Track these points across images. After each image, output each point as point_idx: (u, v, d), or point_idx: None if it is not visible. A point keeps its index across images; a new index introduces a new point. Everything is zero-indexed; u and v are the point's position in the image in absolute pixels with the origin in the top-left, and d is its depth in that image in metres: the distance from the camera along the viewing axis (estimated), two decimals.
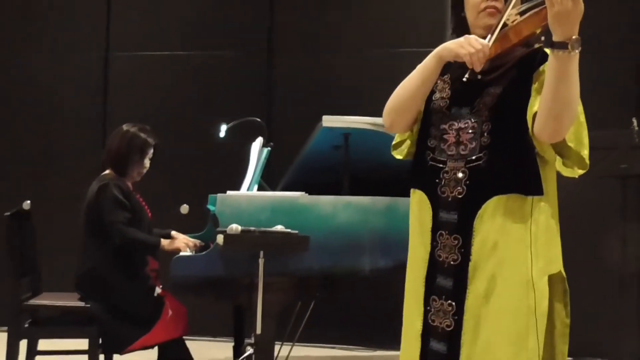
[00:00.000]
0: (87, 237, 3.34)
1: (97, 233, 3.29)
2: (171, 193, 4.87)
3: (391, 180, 2.78)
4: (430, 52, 1.96)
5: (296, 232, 2.73)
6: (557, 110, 1.74)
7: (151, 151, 3.51)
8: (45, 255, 3.70)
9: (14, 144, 5.32)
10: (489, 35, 1.85)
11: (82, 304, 3.23)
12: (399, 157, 2.14)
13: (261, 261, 2.65)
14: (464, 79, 1.88)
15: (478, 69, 1.84)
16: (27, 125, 5.30)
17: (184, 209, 4.93)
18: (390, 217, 2.95)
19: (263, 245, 2.67)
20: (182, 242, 3.38)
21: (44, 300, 3.30)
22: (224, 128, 3.95)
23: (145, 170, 3.54)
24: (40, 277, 3.50)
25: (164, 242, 3.35)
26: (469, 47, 1.83)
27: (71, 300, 3.25)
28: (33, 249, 3.51)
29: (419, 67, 2.00)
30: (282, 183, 3.83)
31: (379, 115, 2.24)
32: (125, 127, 3.49)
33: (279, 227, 2.73)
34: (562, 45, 1.68)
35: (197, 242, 3.46)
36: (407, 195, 2.06)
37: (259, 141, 3.41)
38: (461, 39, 1.88)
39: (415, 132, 2.05)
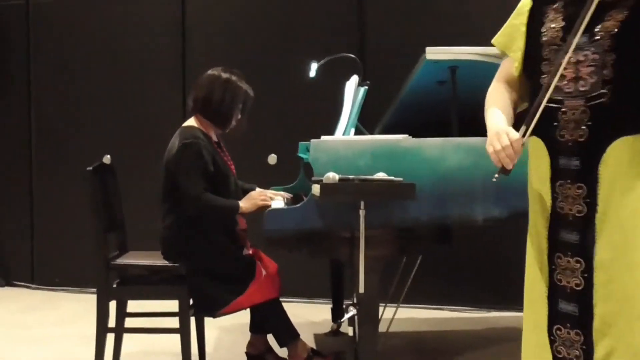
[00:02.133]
0: (167, 199, 3.38)
1: (177, 197, 3.30)
2: (257, 142, 4.93)
3: None
4: None
5: (400, 179, 2.72)
6: None
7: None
8: (128, 211, 3.81)
9: (91, 94, 5.53)
10: (523, 126, 1.86)
11: (171, 263, 3.31)
12: (520, 109, 2.13)
13: (362, 212, 2.65)
14: (493, 179, 1.91)
15: (509, 167, 1.87)
16: (103, 71, 5.49)
17: (272, 159, 5.03)
18: None
19: (364, 195, 2.66)
20: (260, 198, 3.26)
21: (132, 259, 3.41)
22: (314, 67, 3.95)
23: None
24: (126, 235, 3.62)
25: (244, 205, 3.25)
26: (497, 143, 1.86)
27: (159, 259, 3.35)
28: (118, 205, 3.61)
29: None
30: (381, 125, 3.84)
31: (488, 44, 2.22)
32: (223, 75, 3.41)
33: (381, 174, 2.72)
34: None
35: (284, 193, 3.44)
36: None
37: (353, 80, 3.39)
38: (492, 133, 1.91)
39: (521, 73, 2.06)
